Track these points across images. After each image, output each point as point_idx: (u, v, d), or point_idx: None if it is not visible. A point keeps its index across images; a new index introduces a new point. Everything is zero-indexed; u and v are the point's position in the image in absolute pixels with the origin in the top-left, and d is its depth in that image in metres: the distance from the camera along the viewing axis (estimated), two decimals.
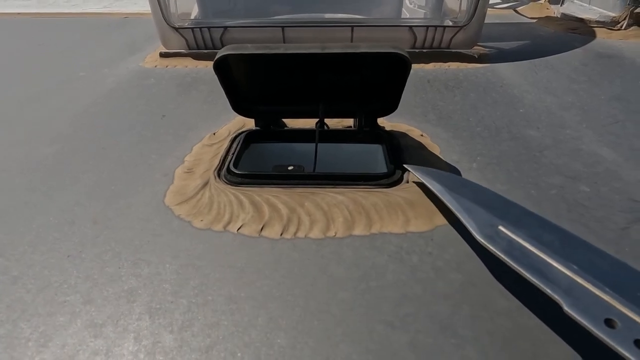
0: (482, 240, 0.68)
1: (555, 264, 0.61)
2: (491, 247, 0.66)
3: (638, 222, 0.86)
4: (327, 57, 0.90)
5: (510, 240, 0.67)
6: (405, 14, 2.41)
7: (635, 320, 0.50)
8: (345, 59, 0.95)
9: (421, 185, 0.95)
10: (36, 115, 1.42)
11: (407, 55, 0.89)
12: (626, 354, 0.47)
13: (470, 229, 0.72)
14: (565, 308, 0.54)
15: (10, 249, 0.82)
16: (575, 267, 0.60)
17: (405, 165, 0.98)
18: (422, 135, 1.22)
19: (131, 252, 0.80)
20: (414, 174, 0.95)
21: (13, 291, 0.72)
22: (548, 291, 0.57)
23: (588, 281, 0.57)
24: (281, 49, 0.88)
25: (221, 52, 0.90)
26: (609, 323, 0.51)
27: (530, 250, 0.64)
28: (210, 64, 1.85)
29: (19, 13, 2.95)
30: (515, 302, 0.69)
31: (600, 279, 0.57)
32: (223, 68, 0.95)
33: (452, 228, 0.85)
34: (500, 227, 0.70)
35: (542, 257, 0.62)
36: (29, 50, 2.23)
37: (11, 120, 1.40)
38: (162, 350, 0.61)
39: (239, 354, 0.61)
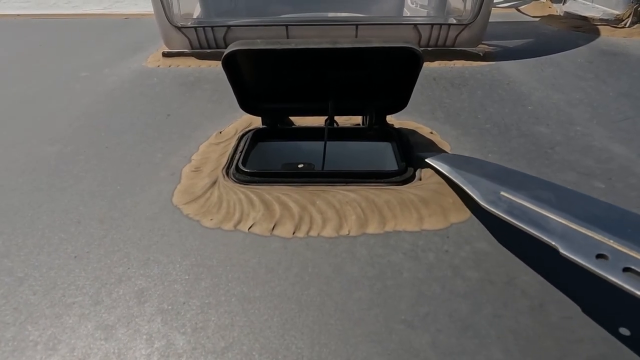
0: (486, 206, 0.73)
1: (551, 216, 0.65)
2: (494, 211, 0.71)
3: None
4: (338, 52, 0.89)
5: (511, 203, 0.71)
6: (407, 13, 2.40)
7: (623, 251, 0.55)
8: (355, 55, 0.94)
9: (432, 171, 0.97)
10: (37, 115, 1.40)
11: (419, 50, 0.88)
12: (616, 280, 0.51)
13: (475, 197, 0.76)
14: (561, 251, 0.58)
15: (15, 250, 0.79)
16: (569, 215, 0.64)
17: (418, 154, 0.99)
18: (431, 133, 1.20)
19: (140, 252, 0.78)
20: (422, 157, 0.98)
21: (19, 293, 0.70)
22: (545, 239, 0.61)
23: (581, 225, 0.61)
24: (292, 45, 0.86)
25: (230, 48, 0.89)
26: (600, 257, 0.55)
27: (529, 208, 0.69)
28: (213, 64, 1.86)
29: (18, 14, 2.93)
30: (537, 300, 0.67)
31: (592, 222, 0.61)
32: (231, 64, 0.93)
33: (467, 226, 0.83)
34: (502, 193, 0.75)
35: (539, 212, 0.67)
36: (30, 50, 2.21)
37: (12, 119, 1.38)
38: (176, 353, 0.59)
39: (255, 356, 0.59)
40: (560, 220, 0.63)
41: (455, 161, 0.92)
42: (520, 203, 0.70)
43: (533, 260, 0.74)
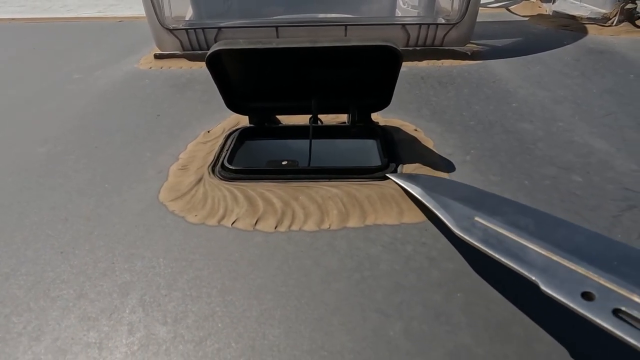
0: (459, 233, 0.68)
1: (530, 246, 0.61)
2: (468, 239, 0.66)
3: (630, 210, 0.87)
4: (318, 51, 0.91)
5: (486, 229, 0.67)
6: (399, 14, 2.43)
7: (611, 289, 0.50)
8: (337, 54, 0.96)
9: (414, 166, 0.97)
10: (28, 117, 1.42)
11: (397, 48, 0.90)
12: (604, 324, 0.46)
13: (448, 224, 0.71)
14: (542, 287, 0.54)
15: (2, 246, 0.81)
16: (550, 245, 0.59)
17: (387, 175, 0.96)
18: (415, 130, 1.22)
19: (125, 247, 0.80)
20: (394, 181, 0.94)
21: (5, 287, 0.71)
22: (525, 273, 0.57)
23: (563, 257, 0.57)
24: (273, 44, 0.88)
25: (213, 48, 0.91)
26: (586, 296, 0.50)
27: (506, 236, 0.64)
28: (205, 65, 1.88)
29: (13, 18, 2.95)
30: (509, 290, 0.69)
31: (575, 253, 0.57)
32: (216, 64, 0.95)
33: None
34: (477, 218, 0.70)
35: (517, 241, 0.62)
36: (22, 54, 2.23)
37: (3, 121, 1.39)
38: (156, 342, 0.61)
39: (232, 345, 0.61)
40: (540, 251, 0.59)
41: (428, 183, 0.88)
42: (496, 230, 0.66)
43: None
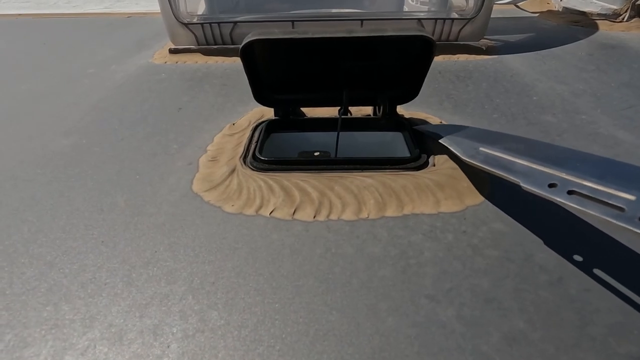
0: (466, 159, 0.85)
1: (517, 160, 0.77)
2: (472, 162, 0.83)
3: None
4: (353, 41, 0.91)
5: (487, 155, 0.83)
6: (407, 9, 2.43)
7: (569, 179, 0.66)
8: (369, 44, 0.96)
9: (446, 157, 1.02)
10: (48, 110, 1.41)
11: (432, 38, 0.90)
12: (561, 200, 0.62)
13: (457, 153, 0.88)
14: (522, 185, 0.69)
15: (42, 236, 0.81)
16: (531, 158, 0.75)
17: (414, 127, 1.10)
18: (441, 122, 1.22)
19: (165, 237, 0.80)
20: (419, 130, 1.10)
21: (51, 276, 0.71)
22: (511, 178, 0.72)
23: (540, 165, 0.73)
24: (309, 34, 0.88)
25: (248, 38, 0.90)
26: (551, 185, 0.67)
27: (501, 157, 0.80)
28: (220, 59, 1.87)
29: (20, 14, 2.92)
30: (555, 275, 0.69)
31: (549, 161, 0.72)
32: (249, 55, 0.95)
33: (483, 208, 0.86)
34: (481, 148, 0.86)
35: (508, 159, 0.79)
36: (34, 49, 2.22)
37: (24, 114, 1.39)
38: (210, 327, 0.61)
39: (287, 329, 0.61)
40: (523, 163, 0.75)
41: (447, 129, 1.05)
42: (494, 154, 0.82)
43: (549, 239, 0.77)
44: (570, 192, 0.63)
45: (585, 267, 0.70)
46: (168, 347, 0.58)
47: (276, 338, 0.60)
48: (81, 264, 0.73)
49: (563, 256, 0.73)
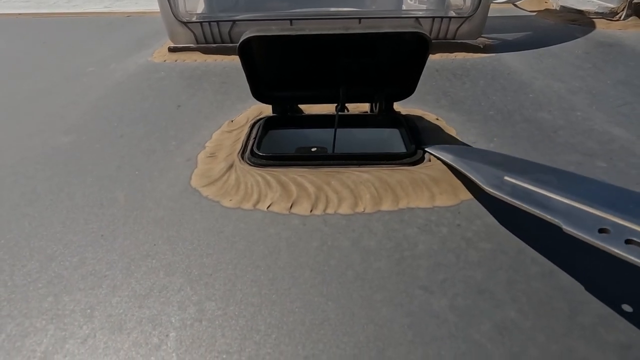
0: (490, 190, 0.74)
1: (553, 196, 0.67)
2: (498, 194, 0.73)
3: None
4: (350, 38, 0.92)
5: (514, 186, 0.73)
6: (405, 8, 2.44)
7: (624, 225, 0.56)
8: (368, 41, 0.97)
9: (439, 160, 0.99)
10: (48, 108, 1.42)
11: (428, 35, 0.91)
12: (618, 251, 0.52)
13: (479, 183, 0.78)
14: (564, 227, 0.59)
15: (42, 230, 0.82)
16: (570, 194, 0.66)
17: (423, 147, 1.01)
18: (437, 119, 1.24)
19: (164, 230, 0.81)
20: (429, 152, 0.99)
21: (52, 268, 0.72)
22: (548, 217, 0.62)
23: (582, 203, 0.63)
24: (306, 31, 0.89)
25: (246, 35, 0.92)
26: (602, 231, 0.57)
27: (532, 190, 0.70)
28: (219, 58, 1.89)
29: (20, 13, 2.94)
30: (548, 267, 0.70)
31: (593, 199, 0.63)
32: (247, 52, 0.96)
33: (477, 202, 0.87)
34: (506, 178, 0.77)
35: (542, 193, 0.69)
36: (34, 48, 2.23)
37: (25, 112, 1.40)
38: (208, 317, 0.62)
39: (284, 319, 0.62)
40: (562, 200, 0.65)
41: (459, 151, 0.94)
42: (523, 186, 0.72)
43: (541, 233, 0.78)
44: (628, 242, 0.53)
45: (577, 260, 0.72)
46: (167, 336, 0.59)
47: (273, 327, 0.61)
48: (81, 257, 0.75)
49: (555, 249, 0.74)
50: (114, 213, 0.86)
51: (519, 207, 0.68)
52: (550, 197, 0.67)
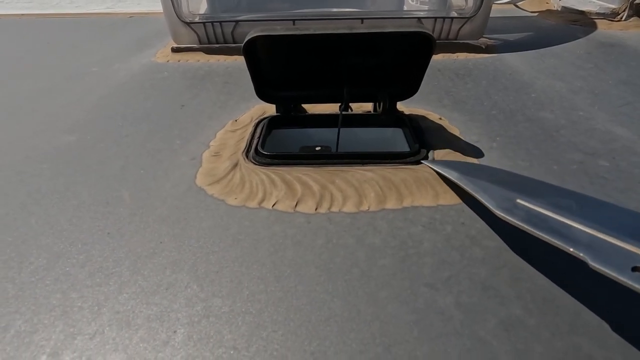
0: (502, 214, 0.68)
1: (574, 224, 0.61)
2: (511, 219, 0.66)
3: None
4: (354, 37, 0.92)
5: (529, 210, 0.67)
6: (406, 9, 2.45)
7: None
8: (372, 41, 0.97)
9: (445, 152, 1.00)
10: (53, 108, 1.43)
11: (432, 34, 0.92)
12: None
13: (489, 206, 0.72)
14: (591, 263, 0.53)
15: (48, 228, 0.82)
16: (594, 223, 0.60)
17: (422, 161, 0.98)
18: (440, 119, 1.24)
19: (170, 228, 0.81)
20: (431, 167, 0.95)
21: (59, 265, 0.73)
22: (571, 250, 0.57)
23: (608, 234, 0.57)
24: (311, 30, 0.90)
25: (251, 35, 0.92)
26: (635, 269, 0.50)
27: (549, 216, 0.64)
28: (222, 58, 1.89)
29: (23, 14, 2.95)
30: (552, 265, 0.71)
31: (620, 230, 0.57)
32: (251, 51, 0.97)
33: None
34: (518, 200, 0.71)
35: (561, 220, 0.63)
36: (38, 48, 2.24)
37: (29, 111, 1.40)
38: (215, 313, 0.63)
39: (290, 316, 0.62)
40: (584, 229, 0.59)
41: (463, 168, 0.89)
42: (538, 211, 0.66)
43: None
44: None
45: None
46: (174, 332, 0.60)
47: (279, 324, 0.61)
48: (88, 255, 0.75)
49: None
50: (119, 211, 0.87)
51: (536, 235, 0.62)
52: (569, 225, 0.61)
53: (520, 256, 0.73)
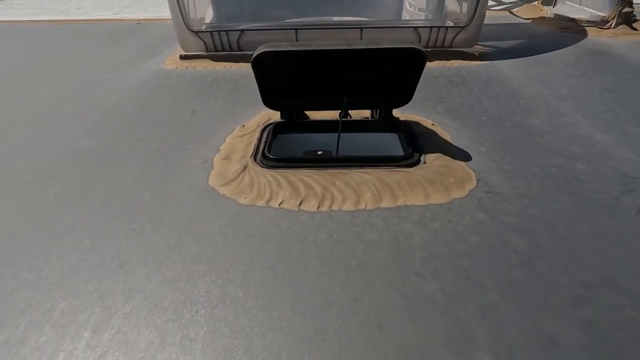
0: None
1: None
2: None
3: (629, 193, 0.98)
4: (353, 52, 1.02)
5: None
6: (405, 16, 2.54)
7: None
8: (369, 55, 1.07)
9: (436, 156, 1.08)
10: (71, 113, 1.52)
11: (424, 51, 1.01)
12: None
13: None
14: None
15: (78, 225, 0.92)
16: None
17: None
18: (433, 125, 1.34)
19: (187, 224, 0.91)
20: None
21: (91, 258, 0.82)
22: None
23: None
24: (313, 46, 1.00)
25: (259, 50, 1.02)
26: None
27: None
28: (229, 65, 2.00)
29: (33, 20, 3.05)
30: (527, 257, 0.80)
31: None
32: (259, 64, 1.06)
33: (467, 200, 0.97)
34: None
35: None
36: (50, 54, 2.34)
37: (47, 117, 1.50)
38: (232, 299, 0.72)
39: (297, 300, 0.72)
40: None
41: None
42: None
43: (522, 227, 0.88)
44: None
45: (553, 251, 0.81)
46: (197, 312, 0.69)
47: (287, 306, 0.71)
48: (116, 248, 0.85)
49: (534, 241, 0.84)
50: (141, 210, 0.96)
51: None
52: None
53: (499, 250, 0.82)
